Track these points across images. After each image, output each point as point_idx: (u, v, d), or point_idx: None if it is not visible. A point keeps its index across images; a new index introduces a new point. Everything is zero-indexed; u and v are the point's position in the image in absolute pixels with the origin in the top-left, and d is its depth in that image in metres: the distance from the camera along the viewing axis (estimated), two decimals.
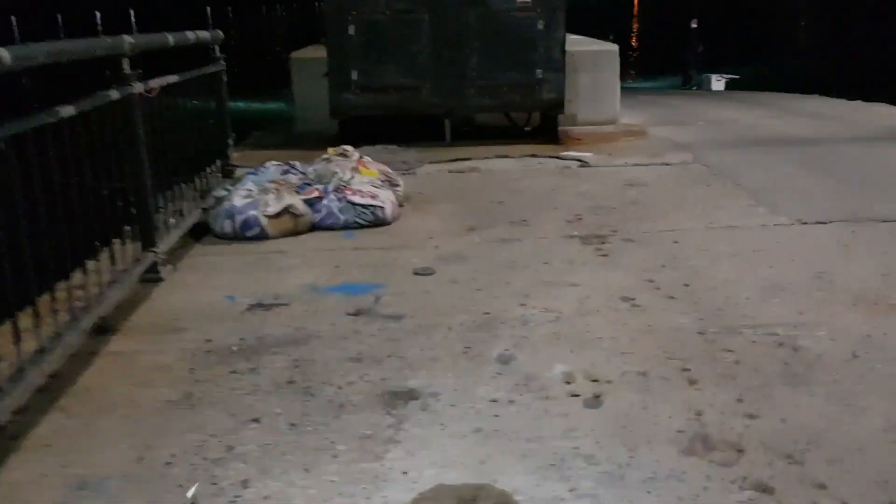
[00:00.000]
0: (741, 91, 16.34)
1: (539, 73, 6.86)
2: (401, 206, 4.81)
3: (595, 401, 2.41)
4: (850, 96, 12.66)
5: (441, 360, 2.73)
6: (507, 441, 2.20)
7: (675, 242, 4.03)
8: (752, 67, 18.59)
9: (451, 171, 6.04)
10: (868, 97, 11.93)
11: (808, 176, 5.59)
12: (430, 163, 6.33)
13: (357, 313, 3.18)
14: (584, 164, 6.24)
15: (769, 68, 18.86)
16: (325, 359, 2.76)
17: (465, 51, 6.79)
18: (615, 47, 8.23)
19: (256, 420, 2.35)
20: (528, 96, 6.95)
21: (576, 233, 4.26)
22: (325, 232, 4.36)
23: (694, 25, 17.99)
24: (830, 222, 4.30)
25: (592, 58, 8.14)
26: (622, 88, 8.48)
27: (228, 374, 2.66)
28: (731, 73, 17.08)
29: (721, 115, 9.19)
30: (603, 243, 4.06)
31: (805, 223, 4.30)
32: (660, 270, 3.59)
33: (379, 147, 6.43)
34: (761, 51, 20.52)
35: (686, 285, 3.40)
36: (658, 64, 26.89)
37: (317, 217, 4.40)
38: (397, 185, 4.89)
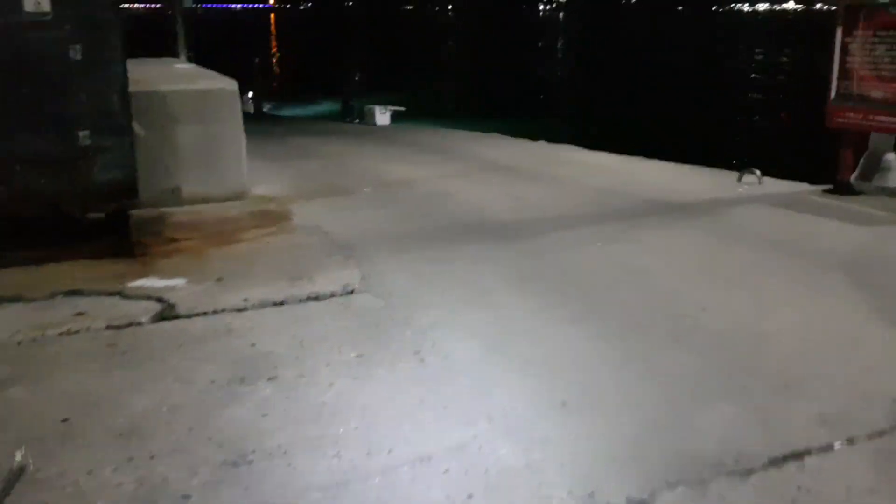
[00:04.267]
0: (409, 126, 14.57)
1: (84, 136, 3.83)
2: None
3: None
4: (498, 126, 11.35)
5: None
6: None
7: None
8: (410, 95, 17.21)
9: None
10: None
11: (576, 337, 3.32)
12: None
13: None
14: (168, 308, 3.37)
15: (427, 96, 17.65)
16: None
17: None
18: (234, 84, 5.45)
19: None
20: (67, 179, 3.85)
21: None
22: None
23: (351, 52, 16.08)
24: None
25: (201, 100, 5.30)
26: (268, 116, 5.72)
27: None
28: (393, 104, 15.25)
29: (395, 171, 6.86)
30: None
31: None
32: None
33: None
34: (417, 77, 19.39)
35: None
36: (312, 88, 24.74)
37: None
38: None
